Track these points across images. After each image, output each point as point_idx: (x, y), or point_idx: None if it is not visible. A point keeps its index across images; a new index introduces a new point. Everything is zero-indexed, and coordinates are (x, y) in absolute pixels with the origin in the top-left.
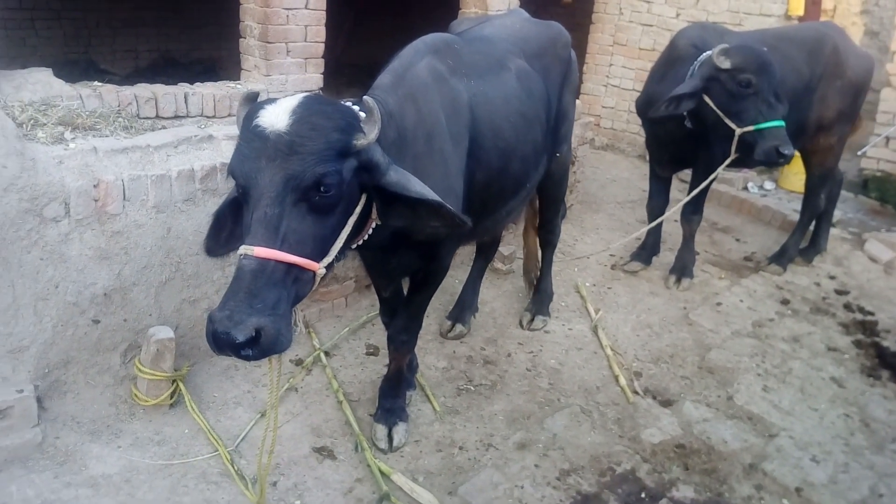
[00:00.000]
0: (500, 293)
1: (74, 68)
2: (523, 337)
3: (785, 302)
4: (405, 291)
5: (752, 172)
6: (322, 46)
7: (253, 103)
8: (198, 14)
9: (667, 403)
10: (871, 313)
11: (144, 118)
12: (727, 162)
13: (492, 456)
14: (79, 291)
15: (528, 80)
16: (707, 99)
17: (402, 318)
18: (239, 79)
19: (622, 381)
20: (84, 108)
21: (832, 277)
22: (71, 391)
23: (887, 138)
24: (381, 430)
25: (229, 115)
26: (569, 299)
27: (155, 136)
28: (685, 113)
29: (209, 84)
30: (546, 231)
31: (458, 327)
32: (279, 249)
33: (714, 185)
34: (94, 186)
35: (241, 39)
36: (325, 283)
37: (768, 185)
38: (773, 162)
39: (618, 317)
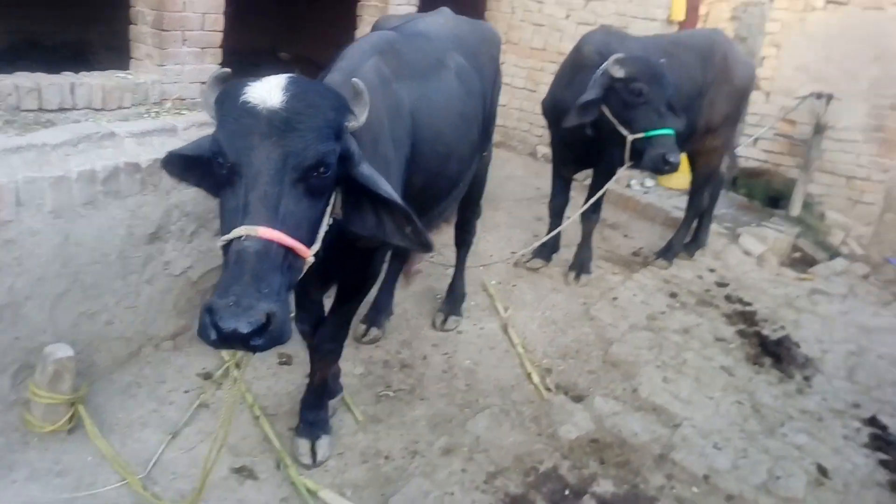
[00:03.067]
0: (411, 294)
1: None
2: (437, 338)
3: (673, 295)
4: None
5: (635, 171)
6: (221, 35)
7: (231, 82)
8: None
9: (578, 399)
10: (749, 304)
11: (26, 111)
12: (622, 169)
13: (419, 464)
14: None
15: (468, 79)
16: (604, 107)
17: (330, 327)
18: (128, 68)
19: (535, 378)
20: None
21: (712, 270)
22: None
23: (756, 139)
24: (303, 444)
25: (119, 108)
26: (478, 298)
27: (52, 133)
28: (588, 121)
29: (97, 74)
30: (464, 231)
31: (374, 331)
32: (281, 231)
33: None
34: None
35: (131, 26)
36: None
37: (649, 182)
38: (660, 169)
39: (525, 314)
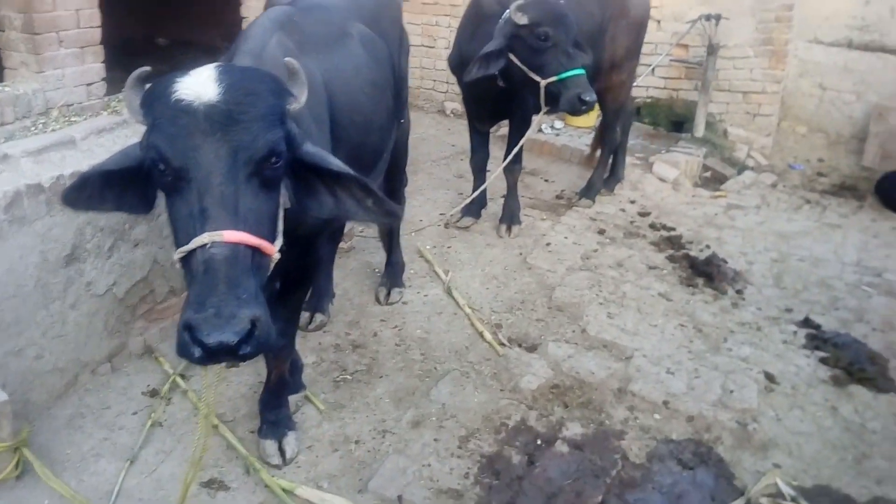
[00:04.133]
0: (348, 272)
1: None
2: (384, 312)
3: (602, 231)
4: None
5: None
6: (99, 31)
7: (155, 81)
8: None
9: (532, 348)
10: (673, 229)
11: None
12: (540, 115)
13: (390, 441)
14: None
15: (373, 46)
16: (512, 56)
17: (279, 322)
18: (2, 80)
19: (487, 336)
20: None
21: (633, 202)
22: None
23: (653, 67)
24: (269, 445)
25: (1, 125)
26: (416, 265)
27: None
28: (496, 72)
29: None
30: (393, 201)
31: (318, 317)
32: (245, 231)
33: None
34: None
35: None
36: (163, 299)
37: (558, 124)
38: (577, 110)
39: (465, 274)
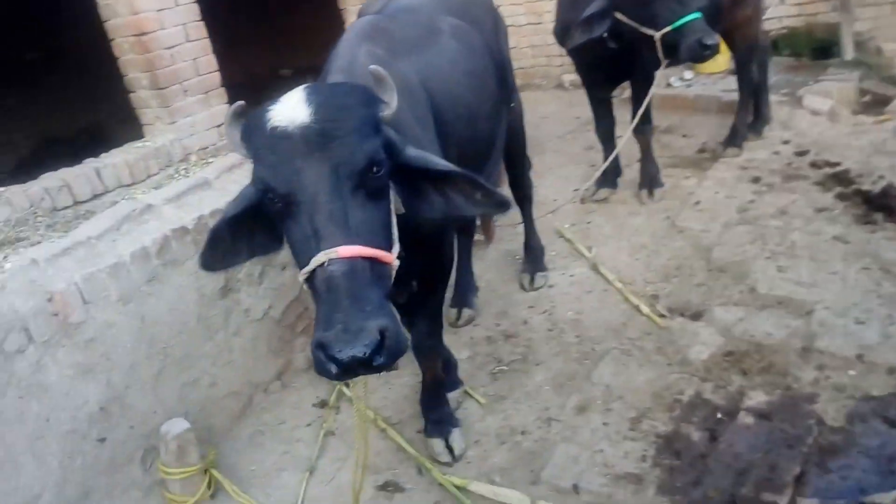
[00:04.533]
0: (489, 263)
1: None
2: (531, 299)
3: (756, 180)
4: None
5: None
6: (218, 75)
7: (250, 115)
8: (61, 87)
9: (697, 316)
10: (838, 163)
11: (63, 209)
12: (661, 70)
13: (557, 430)
14: (73, 417)
15: (466, 36)
16: (619, 15)
17: (424, 323)
18: (143, 136)
19: (644, 308)
20: None
21: (786, 142)
22: None
23: None
24: (437, 443)
25: (149, 177)
26: (556, 246)
27: (91, 225)
28: (604, 35)
29: (116, 152)
30: (519, 187)
31: (466, 312)
32: (359, 244)
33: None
34: (49, 300)
35: (131, 95)
36: None
37: (687, 74)
38: (700, 56)
39: (610, 247)
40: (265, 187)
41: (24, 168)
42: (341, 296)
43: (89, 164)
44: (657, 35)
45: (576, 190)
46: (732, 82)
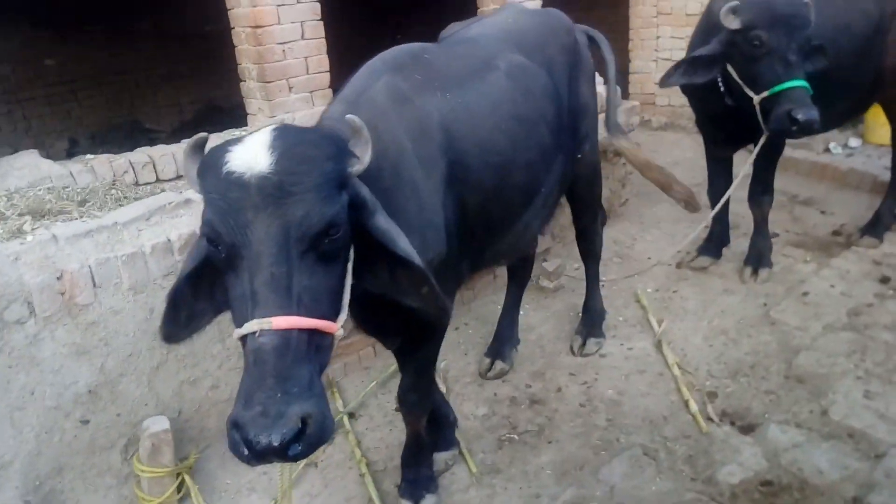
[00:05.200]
0: (549, 315)
1: (119, 132)
2: (576, 365)
3: (885, 280)
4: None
5: (834, 131)
6: (328, 76)
7: (211, 150)
8: (232, 59)
9: (748, 429)
10: None
11: (143, 184)
12: (762, 141)
13: None
14: (59, 394)
15: (525, 77)
16: (730, 67)
17: (408, 376)
18: (246, 124)
19: (693, 406)
20: (76, 185)
21: None
22: (69, 499)
23: None
24: None
25: None
26: (628, 312)
27: (123, 212)
28: (721, 87)
29: (214, 136)
30: (585, 241)
31: (499, 364)
32: (297, 314)
33: (789, 153)
34: (58, 278)
35: (241, 83)
36: (347, 335)
37: (853, 142)
38: (788, 132)
39: (686, 325)
40: (211, 232)
41: (184, 130)
42: (267, 372)
43: (180, 145)
44: (756, 98)
45: (678, 252)
46: None
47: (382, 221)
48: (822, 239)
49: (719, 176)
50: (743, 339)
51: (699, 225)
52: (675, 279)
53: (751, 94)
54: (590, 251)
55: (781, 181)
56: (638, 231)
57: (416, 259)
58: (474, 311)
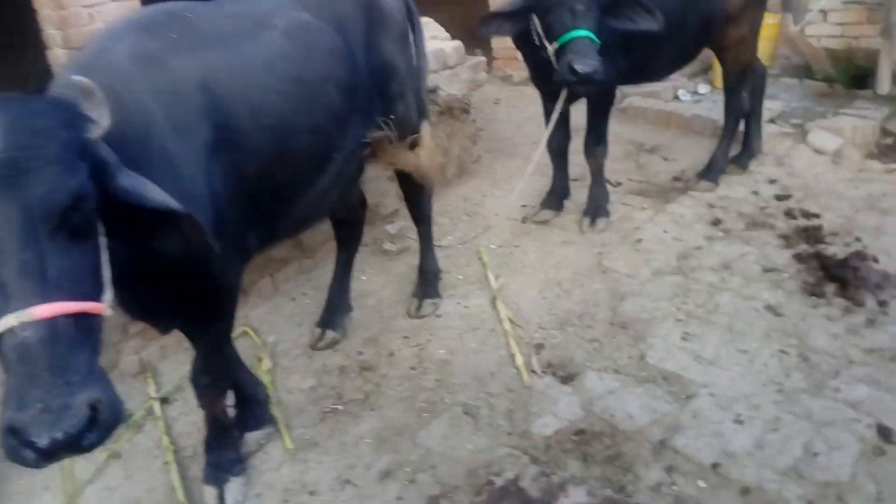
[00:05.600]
0: (391, 278)
1: None
2: (411, 328)
3: (716, 222)
4: None
5: (683, 78)
6: None
7: None
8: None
9: (568, 378)
10: (817, 215)
11: None
12: (563, 94)
13: (349, 496)
14: None
15: (308, 36)
16: (534, 17)
17: (199, 358)
18: None
19: (518, 360)
20: None
21: (772, 181)
22: None
23: (824, 12)
24: (209, 491)
25: None
26: (469, 270)
27: None
28: (535, 39)
29: None
30: (411, 204)
31: (329, 334)
32: (59, 300)
33: (637, 101)
34: None
35: (47, 51)
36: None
37: (702, 88)
38: (570, 83)
39: (523, 280)
40: None
41: None
42: (39, 367)
43: None
44: (551, 49)
45: (524, 206)
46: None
47: (126, 180)
48: (662, 185)
49: (557, 129)
50: (575, 289)
51: (542, 177)
52: (519, 234)
53: (547, 44)
54: (418, 214)
55: (630, 130)
56: (489, 187)
57: (174, 204)
58: (314, 281)
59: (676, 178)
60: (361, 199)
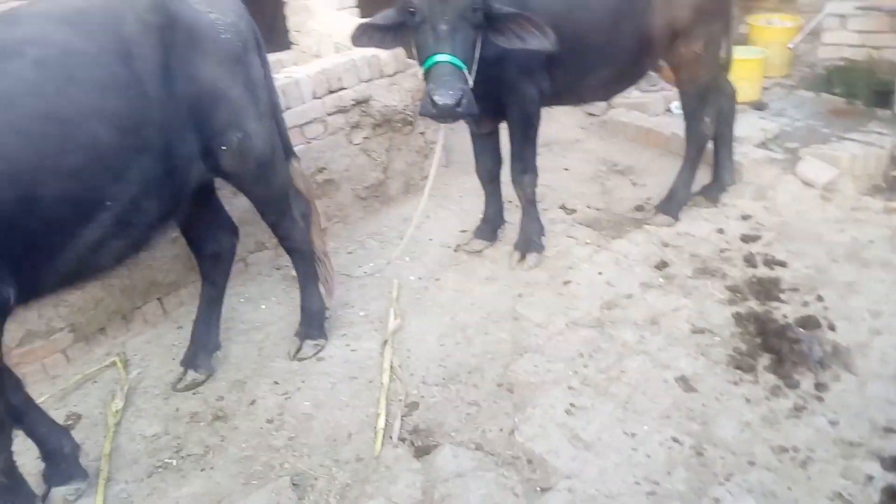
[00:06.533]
0: (292, 309)
1: None
2: (285, 372)
3: (661, 266)
4: None
5: (674, 90)
6: None
7: None
8: None
9: (424, 451)
10: (782, 264)
11: None
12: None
13: None
14: None
15: (69, 66)
16: (413, 38)
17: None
18: None
19: (380, 422)
20: None
21: (745, 218)
22: None
23: (843, 17)
24: None
25: None
26: (376, 305)
27: None
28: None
29: None
30: (280, 237)
31: (191, 375)
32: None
33: (618, 115)
34: None
35: None
36: (27, 341)
37: None
38: (431, 116)
39: (428, 321)
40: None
41: None
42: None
43: None
44: (420, 74)
45: (463, 231)
46: (743, 121)
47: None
48: (619, 216)
49: (484, 153)
50: (478, 337)
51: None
52: (447, 265)
53: (419, 68)
54: (290, 248)
55: (605, 148)
56: (435, 206)
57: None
58: None
59: (638, 208)
60: (233, 229)
